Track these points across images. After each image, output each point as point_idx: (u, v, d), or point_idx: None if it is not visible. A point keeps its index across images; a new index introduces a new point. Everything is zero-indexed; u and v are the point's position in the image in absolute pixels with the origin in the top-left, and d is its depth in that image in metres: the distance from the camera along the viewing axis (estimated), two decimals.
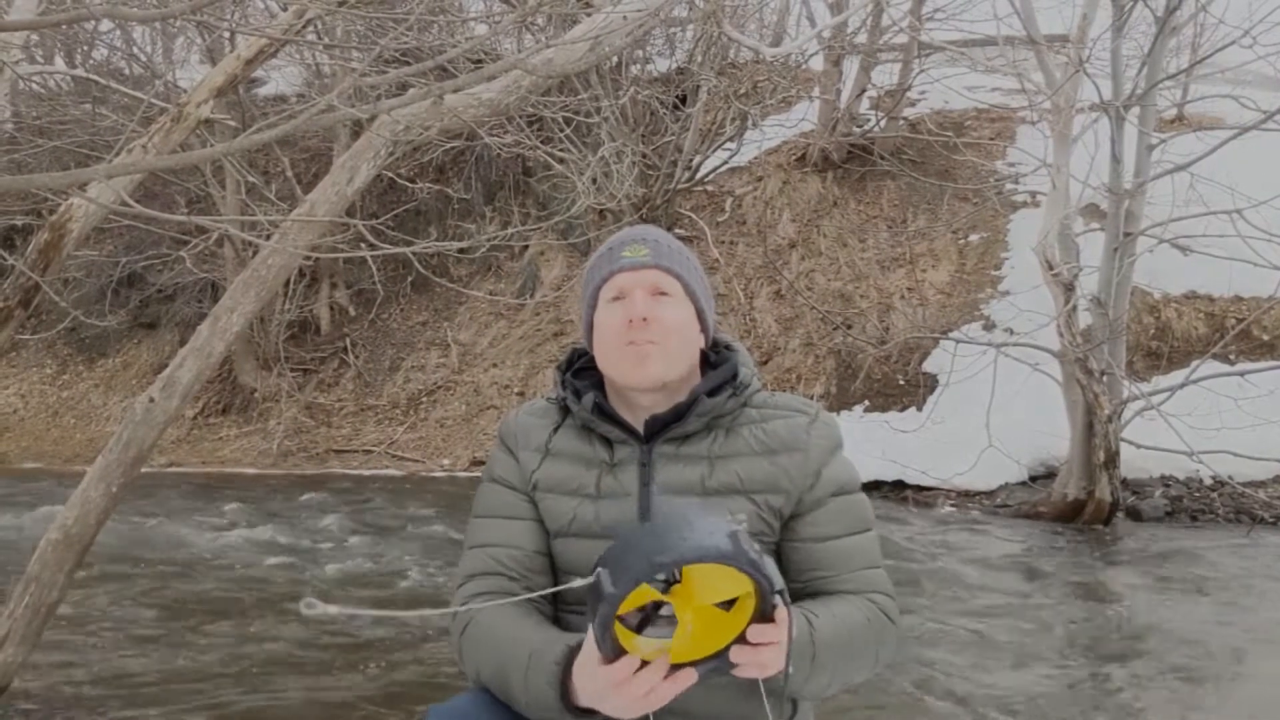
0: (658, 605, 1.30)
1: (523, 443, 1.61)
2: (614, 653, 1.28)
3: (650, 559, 1.24)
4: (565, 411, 1.62)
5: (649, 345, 1.51)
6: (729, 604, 1.29)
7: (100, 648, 4.27)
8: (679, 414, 1.54)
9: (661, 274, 1.56)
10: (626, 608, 1.27)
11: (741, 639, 1.28)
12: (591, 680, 1.31)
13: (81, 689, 3.70)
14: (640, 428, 1.56)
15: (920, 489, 8.60)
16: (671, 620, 1.29)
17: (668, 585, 1.27)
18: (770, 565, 1.27)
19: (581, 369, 1.65)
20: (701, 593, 1.26)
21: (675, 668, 1.28)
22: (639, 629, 1.31)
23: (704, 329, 1.61)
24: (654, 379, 1.53)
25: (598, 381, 1.61)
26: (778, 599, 1.27)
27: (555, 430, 1.61)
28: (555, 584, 1.56)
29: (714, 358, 1.63)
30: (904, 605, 4.77)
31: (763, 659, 1.29)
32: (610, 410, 1.57)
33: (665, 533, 1.27)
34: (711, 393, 1.55)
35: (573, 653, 1.35)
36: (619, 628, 1.28)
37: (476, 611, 1.49)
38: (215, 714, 3.50)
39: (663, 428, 1.55)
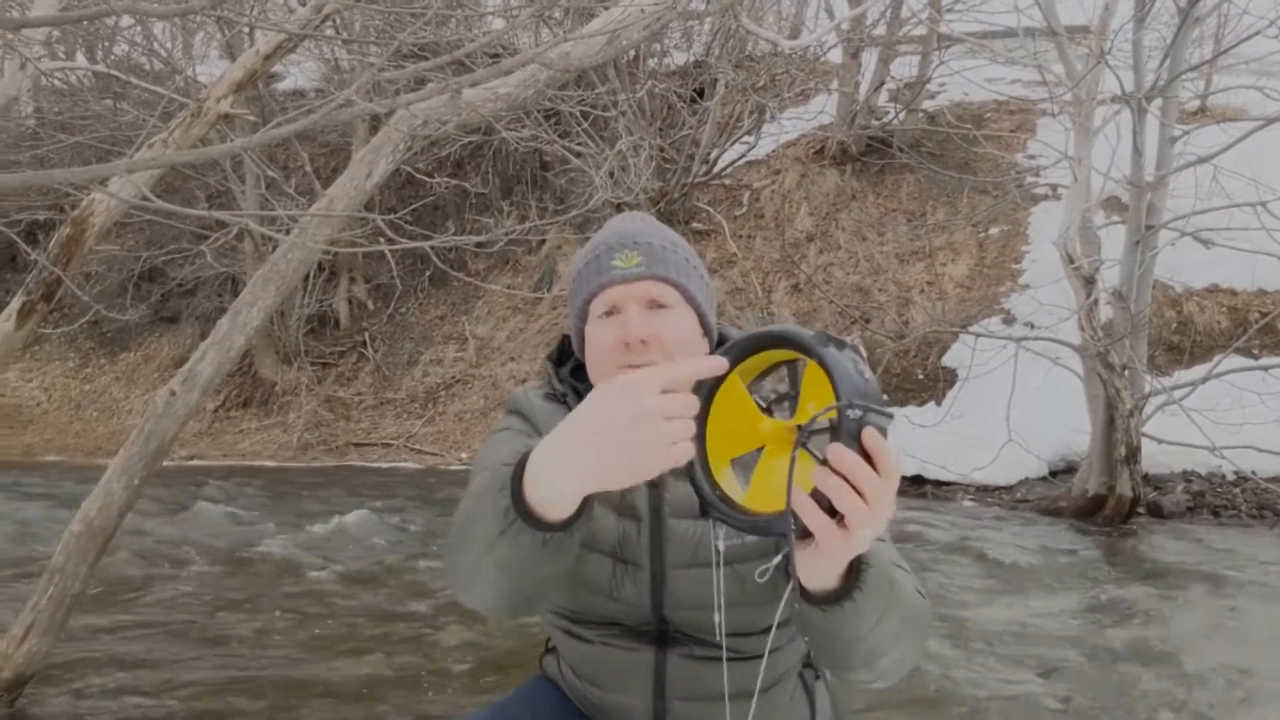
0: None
1: (544, 425, 1.47)
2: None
3: (763, 329, 1.10)
4: (568, 409, 1.49)
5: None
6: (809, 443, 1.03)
7: (123, 639, 4.31)
8: None
9: (657, 284, 1.39)
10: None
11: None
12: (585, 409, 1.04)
13: (104, 679, 3.74)
14: None
15: (939, 484, 8.57)
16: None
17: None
18: (873, 387, 0.97)
19: (577, 366, 1.52)
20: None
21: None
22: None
23: (706, 332, 1.46)
24: None
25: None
26: (857, 414, 0.93)
27: None
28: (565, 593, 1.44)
29: None
30: None
31: (847, 509, 0.94)
32: None
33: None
34: None
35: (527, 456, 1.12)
36: (737, 383, 1.10)
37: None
38: (238, 703, 3.52)
39: None
